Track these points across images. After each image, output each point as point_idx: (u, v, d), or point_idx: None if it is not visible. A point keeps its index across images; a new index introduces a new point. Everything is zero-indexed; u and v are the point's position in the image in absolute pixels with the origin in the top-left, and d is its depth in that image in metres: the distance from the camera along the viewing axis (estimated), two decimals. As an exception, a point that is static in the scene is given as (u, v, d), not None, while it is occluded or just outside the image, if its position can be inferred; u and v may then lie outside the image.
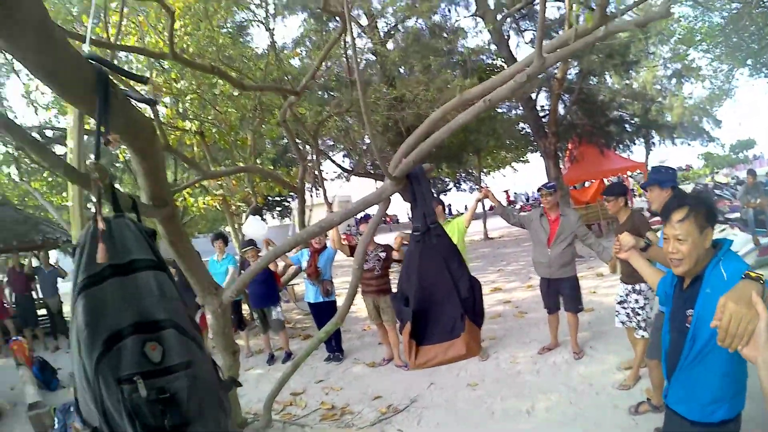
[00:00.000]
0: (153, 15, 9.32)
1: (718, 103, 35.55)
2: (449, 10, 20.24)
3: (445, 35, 19.01)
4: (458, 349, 2.85)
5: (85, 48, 1.83)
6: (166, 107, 11.87)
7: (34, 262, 13.46)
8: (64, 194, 17.74)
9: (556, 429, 5.17)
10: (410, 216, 3.16)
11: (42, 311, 13.63)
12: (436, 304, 2.97)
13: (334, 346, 8.71)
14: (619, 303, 6.01)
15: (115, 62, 8.90)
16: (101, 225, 1.52)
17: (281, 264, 9.28)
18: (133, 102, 2.03)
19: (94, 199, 1.59)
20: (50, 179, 14.60)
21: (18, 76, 11.95)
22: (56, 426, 5.11)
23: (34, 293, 13.22)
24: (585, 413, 5.37)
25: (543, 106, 21.33)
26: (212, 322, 4.25)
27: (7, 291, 12.99)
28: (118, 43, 6.45)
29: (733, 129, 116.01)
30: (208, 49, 10.67)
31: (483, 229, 24.81)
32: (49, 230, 14.54)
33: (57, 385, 9.26)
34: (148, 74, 10.34)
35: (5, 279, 13.45)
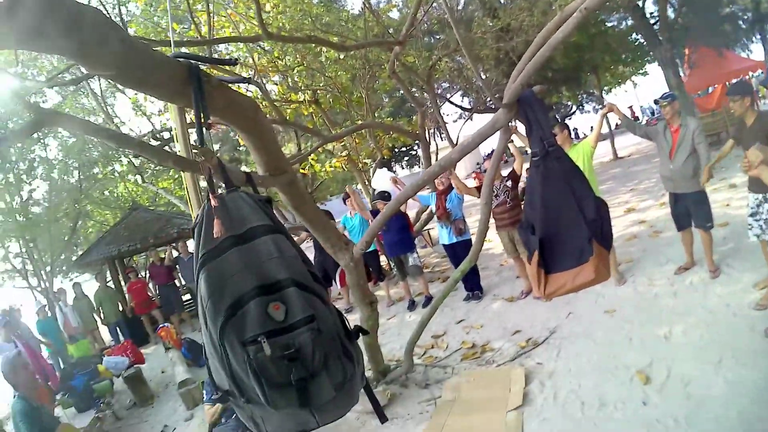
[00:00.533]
0: (242, 5, 9.55)
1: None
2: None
3: None
4: (587, 274, 2.76)
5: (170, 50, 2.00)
6: (276, 84, 12.25)
7: (174, 253, 14.32)
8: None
9: (692, 354, 4.98)
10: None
11: (186, 296, 14.65)
12: (562, 229, 2.85)
13: (473, 285, 8.72)
14: (751, 215, 5.67)
15: (216, 56, 9.29)
16: (214, 201, 1.66)
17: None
18: (230, 85, 2.17)
19: (205, 181, 1.73)
20: (175, 177, 15.55)
21: (124, 93, 12.65)
22: (205, 398, 5.50)
23: (177, 281, 14.05)
24: (721, 337, 5.13)
25: (652, 13, 20.07)
26: (347, 277, 4.40)
27: (150, 285, 13.95)
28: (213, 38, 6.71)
29: None
30: (304, 22, 10.82)
31: (611, 148, 23.64)
32: (183, 222, 15.48)
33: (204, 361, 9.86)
34: (250, 59, 10.64)
35: (147, 274, 14.44)
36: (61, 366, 10.76)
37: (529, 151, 2.90)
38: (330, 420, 1.74)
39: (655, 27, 18.41)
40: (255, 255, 1.65)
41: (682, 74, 19.38)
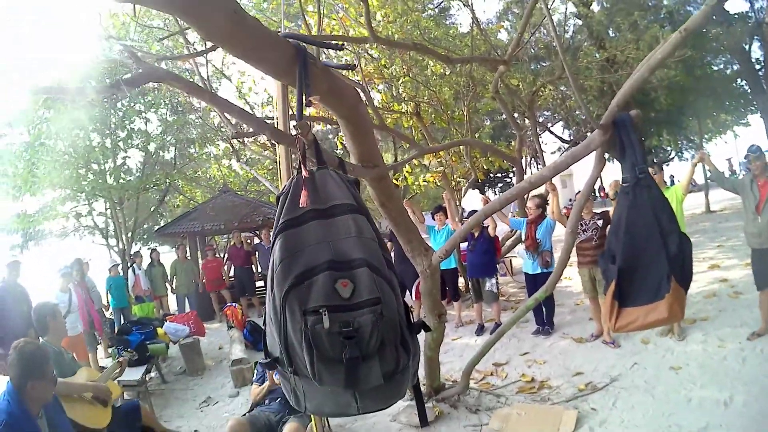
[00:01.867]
0: (353, 11, 9.70)
1: None
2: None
3: None
4: (661, 312, 2.70)
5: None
6: (380, 93, 12.40)
7: (256, 240, 14.61)
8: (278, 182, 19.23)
9: (750, 425, 4.77)
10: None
11: (260, 283, 14.74)
12: (643, 261, 2.78)
13: (545, 320, 8.58)
14: None
15: (323, 58, 9.47)
16: (305, 173, 1.69)
17: (500, 227, 9.34)
18: (334, 71, 2.22)
19: (299, 154, 1.77)
20: (270, 167, 15.84)
21: (229, 80, 13.06)
22: (254, 377, 5.59)
23: (253, 267, 14.38)
24: (785, 411, 4.87)
25: (758, 58, 19.38)
26: (420, 284, 4.38)
27: (226, 266, 14.38)
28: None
29: None
30: (413, 33, 10.92)
31: (705, 200, 22.83)
32: (269, 211, 15.88)
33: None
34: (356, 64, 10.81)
35: (226, 255, 14.95)
36: (122, 321, 11.11)
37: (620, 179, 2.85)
38: (371, 409, 1.73)
39: (760, 73, 17.76)
40: (334, 231, 1.67)
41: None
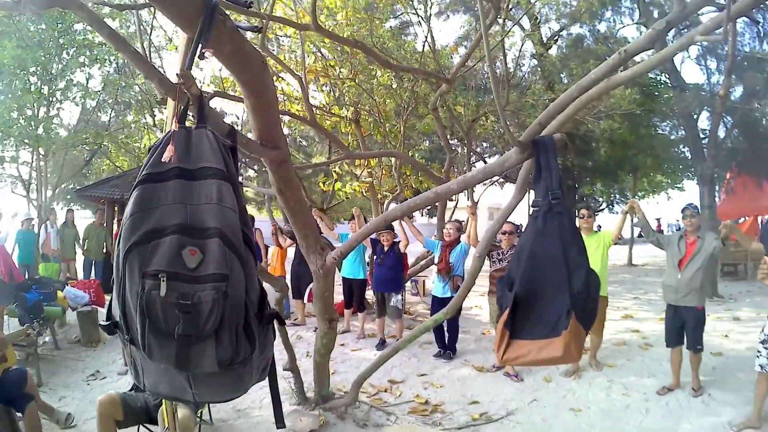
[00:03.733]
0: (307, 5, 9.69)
1: None
2: (613, 20, 19.94)
3: (608, 44, 18.57)
4: (555, 349, 2.51)
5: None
6: (323, 92, 12.32)
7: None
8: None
9: None
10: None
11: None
12: (543, 293, 2.57)
13: (447, 344, 8.55)
14: (762, 342, 5.51)
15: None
16: (175, 127, 1.57)
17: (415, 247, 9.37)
18: (243, 33, 2.11)
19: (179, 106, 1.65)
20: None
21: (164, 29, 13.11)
22: None
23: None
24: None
25: (704, 129, 20.03)
26: (312, 285, 4.24)
27: None
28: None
29: None
30: (366, 39, 10.88)
31: (628, 253, 23.59)
32: None
33: None
34: (308, 60, 10.67)
35: None
36: (25, 278, 10.65)
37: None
38: (207, 398, 1.64)
39: (704, 142, 18.32)
40: (195, 194, 1.58)
41: (717, 198, 19.19)
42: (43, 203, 15.45)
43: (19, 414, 4.87)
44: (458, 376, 7.70)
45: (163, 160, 1.55)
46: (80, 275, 13.45)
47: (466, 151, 14.60)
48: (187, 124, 1.70)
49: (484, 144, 20.85)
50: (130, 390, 5.07)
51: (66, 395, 6.73)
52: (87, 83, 16.03)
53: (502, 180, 22.28)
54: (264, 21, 6.01)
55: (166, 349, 1.44)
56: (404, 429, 5.73)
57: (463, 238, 8.39)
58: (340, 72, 11.37)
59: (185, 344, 1.44)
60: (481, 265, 4.32)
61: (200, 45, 1.77)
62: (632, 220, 15.27)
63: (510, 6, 10.97)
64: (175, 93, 1.86)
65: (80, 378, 7.47)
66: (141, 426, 4.88)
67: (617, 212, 31.96)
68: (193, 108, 1.70)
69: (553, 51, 19.91)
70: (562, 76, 18.29)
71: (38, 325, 7.79)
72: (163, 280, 1.42)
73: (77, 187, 19.71)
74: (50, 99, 14.18)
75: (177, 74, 1.72)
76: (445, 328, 8.46)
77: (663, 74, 19.46)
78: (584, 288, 2.55)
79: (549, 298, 2.58)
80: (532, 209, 2.72)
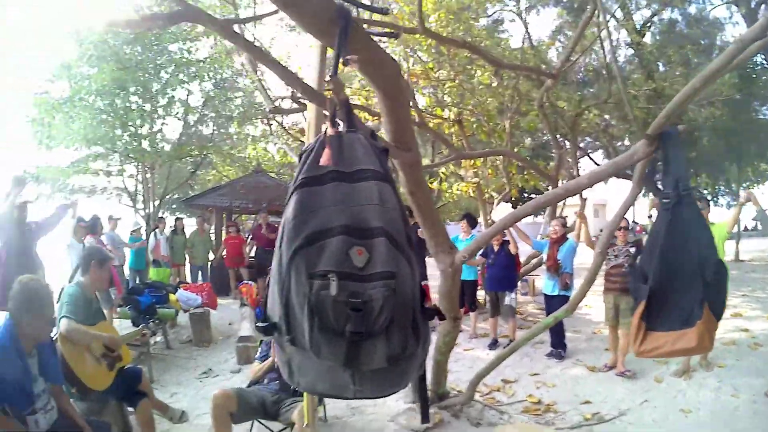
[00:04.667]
0: (407, 9, 9.69)
1: None
2: (703, 0, 19.21)
3: (701, 27, 17.97)
4: (689, 340, 2.54)
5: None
6: (424, 96, 12.34)
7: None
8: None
9: None
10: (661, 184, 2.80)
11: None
12: (677, 284, 2.57)
13: (558, 343, 8.43)
14: None
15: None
16: (331, 131, 1.60)
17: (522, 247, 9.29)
18: (377, 39, 2.15)
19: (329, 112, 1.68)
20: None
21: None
22: (257, 355, 5.51)
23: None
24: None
25: None
26: (440, 283, 4.24)
27: (249, 245, 14.45)
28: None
29: None
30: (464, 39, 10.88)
31: (735, 248, 22.35)
32: None
33: None
34: (404, 65, 10.73)
35: (250, 235, 14.91)
36: (136, 282, 11.14)
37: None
38: (368, 394, 1.60)
39: None
40: (355, 196, 1.58)
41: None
42: (151, 213, 16.17)
43: (131, 410, 4.99)
44: (570, 375, 7.57)
45: (321, 163, 1.56)
46: (188, 280, 13.95)
47: (571, 146, 14.31)
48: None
49: (587, 139, 20.37)
50: (247, 386, 5.23)
51: (178, 392, 6.97)
52: (187, 99, 16.72)
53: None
54: (396, 29, 6.07)
55: (335, 348, 1.44)
56: (518, 428, 5.64)
57: (571, 235, 8.26)
58: (440, 74, 11.37)
59: (357, 342, 1.45)
60: (601, 262, 4.25)
61: (341, 53, 1.79)
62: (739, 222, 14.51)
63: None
64: (317, 98, 1.91)
65: (192, 376, 7.71)
66: (255, 421, 5.03)
67: (721, 205, 30.67)
68: (341, 113, 1.73)
69: (647, 38, 19.30)
70: (659, 64, 17.72)
71: (153, 326, 8.07)
72: (333, 280, 1.42)
73: (183, 197, 20.49)
74: (153, 116, 14.83)
75: (326, 80, 1.76)
76: (560, 327, 8.34)
77: (759, 54, 18.55)
78: (715, 278, 2.56)
79: (683, 289, 2.62)
80: (662, 201, 2.67)
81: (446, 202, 17.05)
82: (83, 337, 4.39)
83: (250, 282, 11.74)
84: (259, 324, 1.67)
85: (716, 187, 29.72)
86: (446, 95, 11.87)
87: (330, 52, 2.22)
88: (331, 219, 1.52)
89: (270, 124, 13.49)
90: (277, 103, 7.60)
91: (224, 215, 16.87)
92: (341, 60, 1.80)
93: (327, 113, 1.67)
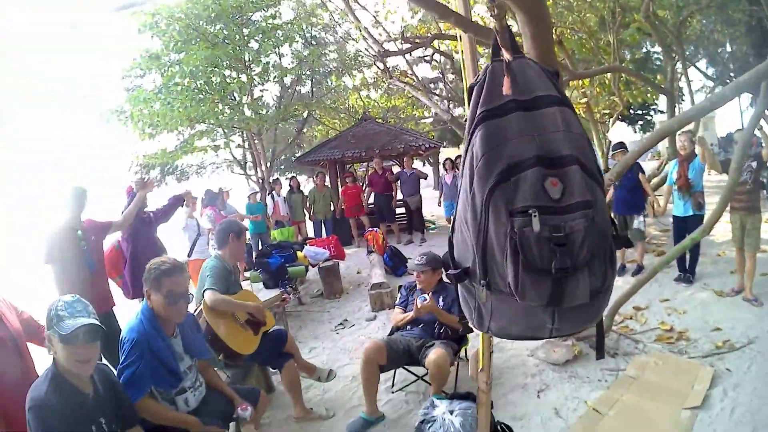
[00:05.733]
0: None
1: None
2: None
3: None
4: None
5: None
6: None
7: (396, 169, 14.72)
8: (420, 110, 19.50)
9: None
10: None
11: (400, 210, 15.00)
12: None
13: (688, 267, 8.18)
14: None
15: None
16: (506, 56, 1.52)
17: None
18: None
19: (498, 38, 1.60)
20: (410, 97, 15.68)
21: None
22: (397, 301, 5.56)
23: (393, 194, 14.41)
24: None
25: None
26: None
27: (366, 192, 14.64)
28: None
29: None
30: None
31: None
32: (410, 139, 16.22)
33: (404, 273, 10.31)
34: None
35: (366, 182, 15.15)
36: (260, 247, 11.45)
37: None
38: (566, 331, 1.55)
39: None
40: (540, 124, 1.50)
41: None
42: (264, 176, 16.59)
43: (275, 371, 5.22)
44: (699, 301, 7.36)
45: (505, 93, 1.49)
46: (311, 235, 14.28)
47: (678, 56, 13.62)
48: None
49: (691, 48, 19.34)
50: (390, 335, 5.33)
51: (316, 346, 7.16)
52: (281, 62, 17.01)
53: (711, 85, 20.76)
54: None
55: (541, 287, 1.40)
56: (653, 358, 5.57)
57: (697, 150, 7.81)
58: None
59: (562, 279, 1.40)
60: (738, 177, 4.03)
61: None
62: None
63: None
64: (472, 28, 1.85)
65: (328, 328, 7.91)
66: (401, 368, 5.16)
67: None
68: (504, 39, 1.64)
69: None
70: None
71: (291, 290, 8.28)
72: (535, 216, 1.36)
73: (291, 157, 20.85)
74: (250, 85, 15.11)
75: (489, 6, 1.68)
76: (688, 250, 7.89)
77: None
78: None
79: None
80: None
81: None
82: (228, 306, 4.61)
83: (374, 228, 11.99)
84: (451, 271, 1.64)
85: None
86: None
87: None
88: (520, 151, 1.45)
89: (384, 69, 13.36)
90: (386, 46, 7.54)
91: (337, 167, 17.20)
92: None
93: (498, 39, 1.57)
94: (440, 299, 5.19)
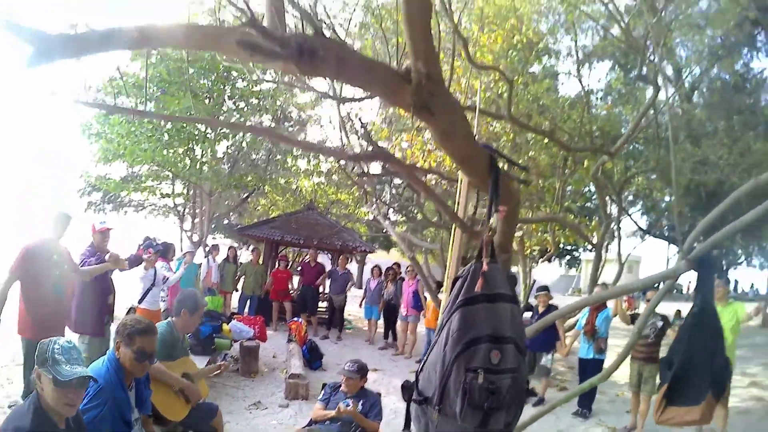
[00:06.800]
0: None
1: None
2: (751, 56, 19.28)
3: (747, 86, 18.17)
4: (695, 415, 3.26)
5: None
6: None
7: (327, 264, 15.45)
8: (364, 209, 20.00)
9: None
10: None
11: (324, 304, 15.31)
12: (692, 374, 3.29)
13: (586, 403, 8.79)
14: None
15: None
16: (485, 267, 2.16)
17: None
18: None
19: (480, 248, 2.24)
20: (357, 194, 16.74)
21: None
22: (320, 396, 5.88)
23: (321, 288, 14.85)
24: None
25: None
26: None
27: (296, 280, 15.07)
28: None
29: None
30: (523, 97, 11.41)
31: (763, 315, 21.62)
32: (348, 238, 16.65)
33: (319, 367, 10.67)
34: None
35: (300, 269, 15.47)
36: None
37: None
38: None
39: None
40: (496, 314, 2.16)
41: None
42: (204, 237, 16.74)
43: None
44: (592, 435, 7.79)
45: (476, 290, 2.13)
46: (234, 307, 14.34)
47: (617, 210, 14.72)
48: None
49: (630, 197, 20.70)
50: (305, 426, 5.74)
51: (229, 420, 7.16)
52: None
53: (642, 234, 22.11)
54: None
55: (475, 417, 2.05)
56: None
57: (609, 303, 8.64)
58: (495, 127, 11.87)
59: (490, 413, 2.05)
60: (637, 339, 4.71)
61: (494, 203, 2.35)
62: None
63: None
64: (466, 230, 2.46)
65: (242, 406, 8.04)
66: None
67: (755, 266, 31.01)
68: (488, 251, 2.26)
69: (696, 97, 19.81)
70: (706, 131, 17.87)
71: (232, 360, 8.38)
72: (481, 373, 2.02)
73: (233, 223, 21.07)
74: (215, 142, 15.48)
75: (483, 228, 2.33)
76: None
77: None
78: (720, 372, 3.31)
79: (696, 378, 3.36)
80: (692, 309, 3.41)
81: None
82: (163, 376, 4.77)
83: (298, 318, 12.21)
84: (416, 397, 2.28)
85: (750, 248, 29.96)
86: (502, 148, 12.18)
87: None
88: (481, 331, 2.11)
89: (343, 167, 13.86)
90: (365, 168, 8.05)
91: (273, 248, 17.38)
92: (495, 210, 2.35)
93: (483, 252, 2.21)
94: (360, 403, 5.62)
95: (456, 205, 2.86)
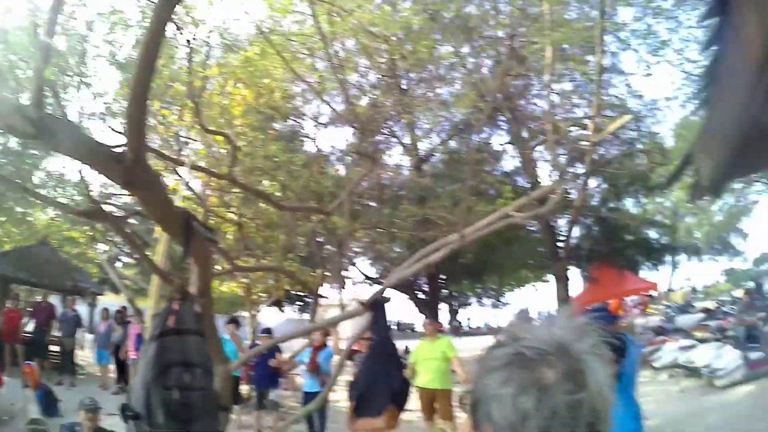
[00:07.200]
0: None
1: (741, 218, 39.29)
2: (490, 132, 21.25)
3: (482, 154, 19.86)
4: (379, 423, 4.24)
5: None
6: (211, 195, 13.26)
7: (59, 307, 14.87)
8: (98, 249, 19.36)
9: None
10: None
11: (55, 348, 14.60)
12: (375, 391, 4.41)
13: (318, 428, 9.34)
14: None
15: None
16: (176, 306, 2.93)
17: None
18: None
19: (172, 290, 3.03)
20: (90, 233, 16.58)
21: None
22: None
23: (51, 330, 14.27)
24: None
25: (559, 233, 21.65)
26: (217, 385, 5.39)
27: (26, 320, 14.22)
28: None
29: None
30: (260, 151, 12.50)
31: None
32: (80, 278, 16.32)
33: (56, 413, 10.05)
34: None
35: (32, 310, 14.73)
36: None
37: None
38: None
39: (559, 245, 20.15)
40: (186, 344, 2.97)
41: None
42: None
43: None
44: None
45: (169, 324, 2.89)
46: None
47: (338, 260, 16.01)
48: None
49: (357, 249, 22.15)
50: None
51: None
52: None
53: (370, 282, 23.65)
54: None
55: (174, 425, 2.72)
56: None
57: (329, 341, 9.71)
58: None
59: (185, 420, 2.74)
60: (342, 368, 5.68)
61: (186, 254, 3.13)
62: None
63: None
64: (164, 278, 3.24)
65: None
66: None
67: (486, 304, 34.31)
68: (180, 294, 3.03)
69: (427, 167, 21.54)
70: (432, 194, 19.56)
71: None
72: (175, 390, 2.75)
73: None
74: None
75: (181, 281, 3.11)
76: (317, 416, 9.18)
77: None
78: (400, 389, 4.44)
79: (378, 395, 4.47)
80: (371, 340, 4.46)
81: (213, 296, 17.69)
82: None
83: (32, 363, 11.70)
84: (128, 412, 2.90)
85: (477, 290, 33.13)
86: (232, 199, 12.87)
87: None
88: (173, 357, 2.88)
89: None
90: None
91: (2, 285, 15.79)
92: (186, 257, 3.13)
93: (174, 294, 2.97)
94: None
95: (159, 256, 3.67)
